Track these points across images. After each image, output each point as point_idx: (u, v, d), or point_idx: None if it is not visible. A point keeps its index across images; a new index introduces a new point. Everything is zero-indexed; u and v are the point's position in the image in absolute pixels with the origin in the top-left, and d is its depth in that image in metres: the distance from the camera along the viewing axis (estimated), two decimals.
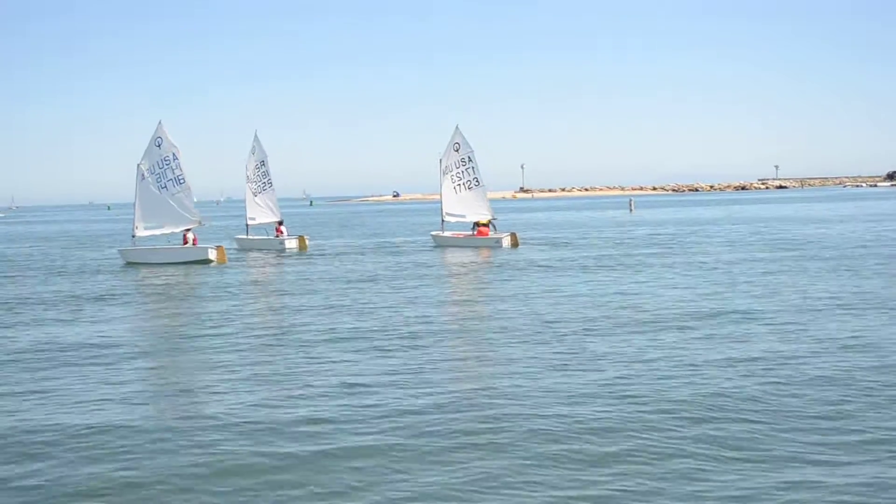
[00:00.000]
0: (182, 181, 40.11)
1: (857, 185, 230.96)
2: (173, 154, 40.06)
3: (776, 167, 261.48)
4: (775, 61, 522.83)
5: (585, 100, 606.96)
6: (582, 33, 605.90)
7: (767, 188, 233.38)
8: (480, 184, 47.99)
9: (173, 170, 40.03)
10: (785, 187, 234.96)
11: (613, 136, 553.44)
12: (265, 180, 49.50)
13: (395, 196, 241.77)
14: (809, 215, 74.45)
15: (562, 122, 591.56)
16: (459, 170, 48.12)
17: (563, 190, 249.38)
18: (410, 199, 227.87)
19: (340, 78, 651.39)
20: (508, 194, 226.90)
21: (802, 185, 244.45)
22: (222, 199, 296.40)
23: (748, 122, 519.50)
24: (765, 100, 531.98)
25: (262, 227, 50.20)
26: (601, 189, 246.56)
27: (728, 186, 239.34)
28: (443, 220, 49.20)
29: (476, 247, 45.22)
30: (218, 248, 40.33)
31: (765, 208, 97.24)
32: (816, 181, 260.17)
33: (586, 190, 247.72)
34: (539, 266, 34.63)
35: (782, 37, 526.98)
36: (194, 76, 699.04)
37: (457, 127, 48.27)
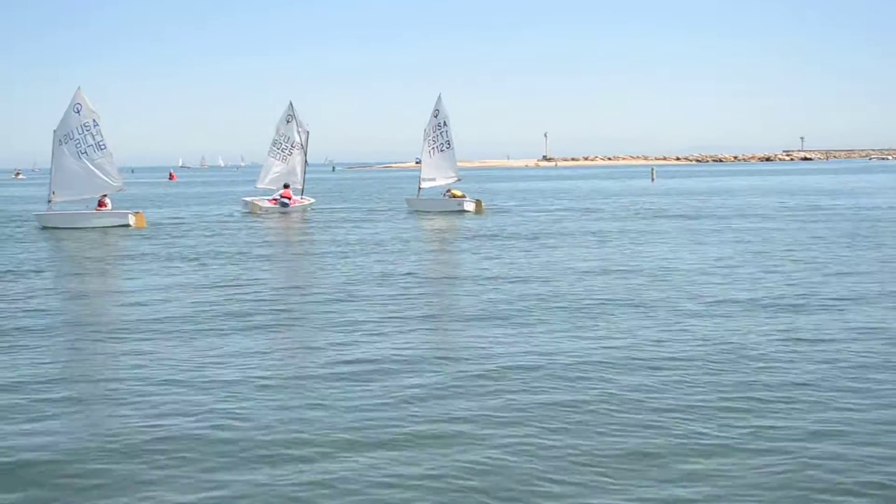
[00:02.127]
0: (103, 147, 39.35)
1: (884, 158, 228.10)
2: (94, 120, 39.28)
3: (802, 139, 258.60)
4: (802, 33, 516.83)
5: (611, 69, 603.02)
6: (611, 4, 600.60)
7: (792, 160, 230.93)
8: (450, 147, 48.83)
9: (94, 136, 39.23)
10: (810, 159, 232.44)
11: (638, 106, 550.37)
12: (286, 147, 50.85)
13: (417, 163, 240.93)
14: (849, 187, 73.09)
15: (587, 91, 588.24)
16: (436, 133, 48.96)
17: (587, 159, 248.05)
18: None
19: (361, 48, 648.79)
20: (531, 162, 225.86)
21: (827, 157, 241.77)
22: (243, 165, 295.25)
23: (774, 94, 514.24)
24: (791, 71, 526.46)
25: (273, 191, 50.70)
26: (624, 158, 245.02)
27: (752, 157, 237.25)
28: (419, 187, 49.98)
29: (447, 210, 46.38)
30: (137, 213, 40.01)
31: (792, 179, 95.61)
32: (842, 153, 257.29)
33: (609, 159, 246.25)
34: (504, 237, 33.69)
35: (810, 8, 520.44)
36: (218, 43, 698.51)
37: (439, 95, 49.51)
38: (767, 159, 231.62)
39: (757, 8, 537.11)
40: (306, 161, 52.29)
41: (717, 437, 9.53)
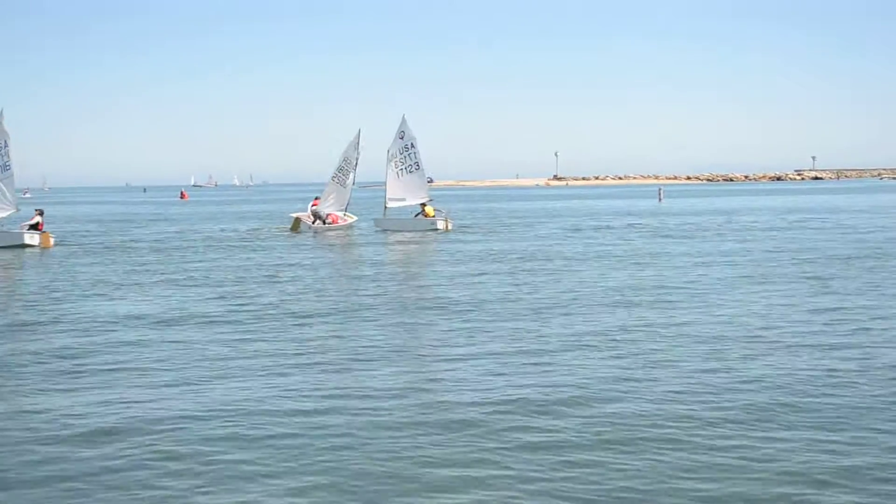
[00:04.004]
0: (8, 168, 40.39)
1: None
2: (5, 141, 40.23)
3: (813, 158, 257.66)
4: (811, 53, 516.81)
5: (621, 88, 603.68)
6: (618, 22, 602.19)
7: (803, 179, 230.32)
8: (420, 168, 50.23)
9: (2, 156, 40.22)
10: (821, 178, 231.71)
11: (648, 126, 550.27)
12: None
13: (429, 181, 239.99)
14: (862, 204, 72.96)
15: (597, 110, 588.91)
16: (403, 155, 50.25)
17: (597, 178, 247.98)
18: (444, 185, 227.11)
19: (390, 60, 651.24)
20: (542, 181, 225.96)
21: (838, 177, 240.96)
22: (252, 184, 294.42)
23: (784, 113, 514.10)
24: (800, 90, 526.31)
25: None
26: (635, 178, 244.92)
27: (763, 177, 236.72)
28: (385, 206, 51.25)
29: (418, 230, 47.75)
30: (43, 233, 40.29)
31: (806, 199, 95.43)
32: (853, 172, 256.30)
33: (620, 178, 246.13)
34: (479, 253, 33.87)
35: (819, 28, 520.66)
36: (242, 54, 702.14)
37: (403, 117, 50.99)
38: (778, 178, 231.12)
39: (767, 25, 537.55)
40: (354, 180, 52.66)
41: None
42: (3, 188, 40.41)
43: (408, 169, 50.15)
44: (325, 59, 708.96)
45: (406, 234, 46.40)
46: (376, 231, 49.17)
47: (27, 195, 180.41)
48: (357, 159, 51.58)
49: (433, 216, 49.15)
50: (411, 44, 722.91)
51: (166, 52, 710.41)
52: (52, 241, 40.34)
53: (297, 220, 50.45)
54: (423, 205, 49.74)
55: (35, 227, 40.51)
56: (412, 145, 50.08)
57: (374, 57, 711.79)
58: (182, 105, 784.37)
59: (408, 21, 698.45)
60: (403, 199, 50.51)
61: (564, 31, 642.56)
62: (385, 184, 51.25)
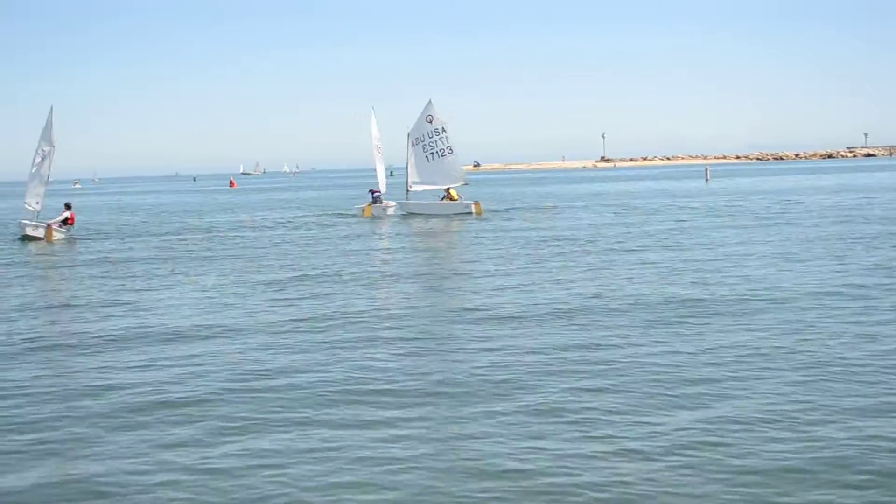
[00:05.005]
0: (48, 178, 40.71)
1: None
2: (52, 150, 40.31)
3: (865, 135, 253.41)
4: (863, 26, 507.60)
5: (669, 68, 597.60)
6: (665, 1, 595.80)
7: (855, 156, 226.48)
8: (453, 152, 49.87)
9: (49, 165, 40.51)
10: (873, 155, 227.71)
11: (697, 105, 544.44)
12: None
13: (475, 166, 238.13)
14: None
15: (644, 90, 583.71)
16: (433, 139, 49.83)
17: (645, 159, 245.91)
18: (491, 168, 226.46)
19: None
20: (589, 163, 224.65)
21: (891, 154, 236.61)
22: (297, 171, 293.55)
23: (837, 89, 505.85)
24: (853, 65, 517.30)
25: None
26: (683, 158, 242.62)
27: (814, 155, 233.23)
28: (408, 189, 51.07)
29: (445, 214, 47.68)
30: (47, 227, 39.83)
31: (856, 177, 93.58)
32: None
33: (668, 159, 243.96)
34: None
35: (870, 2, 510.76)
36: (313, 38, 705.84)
37: (429, 101, 50.43)
38: (829, 156, 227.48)
39: (820, 3, 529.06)
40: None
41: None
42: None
43: (440, 153, 49.81)
44: (380, 43, 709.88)
45: (434, 218, 46.15)
46: (401, 215, 49.23)
47: (77, 186, 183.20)
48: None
49: (458, 199, 49.25)
50: (458, 27, 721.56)
51: (212, 42, 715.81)
52: (54, 235, 39.78)
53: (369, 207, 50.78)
54: (448, 189, 49.70)
55: (65, 221, 40.83)
56: (443, 129, 49.77)
57: (422, 38, 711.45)
58: (224, 94, 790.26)
59: (458, 4, 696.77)
60: (434, 183, 50.33)
61: (611, 12, 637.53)
62: (406, 168, 51.13)
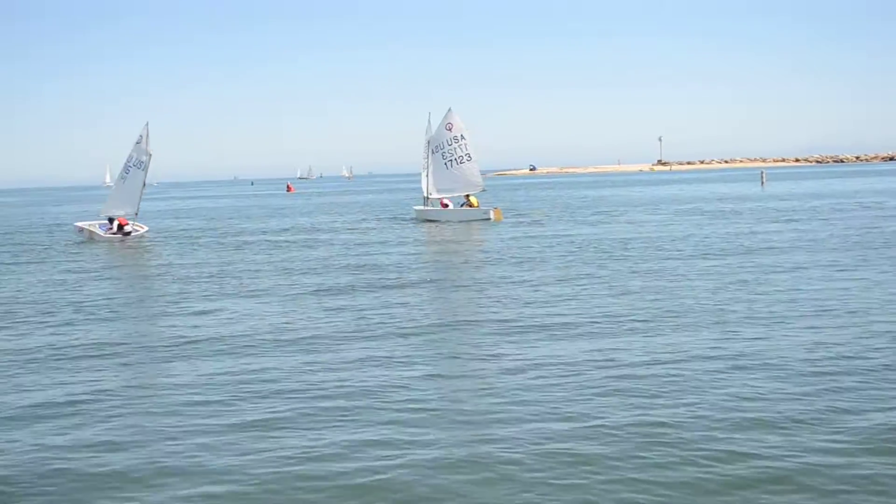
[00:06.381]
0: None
1: None
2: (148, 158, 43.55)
3: None
4: None
5: (727, 71, 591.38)
6: (723, 3, 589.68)
7: None
8: (472, 159, 50.44)
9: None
10: None
11: (756, 107, 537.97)
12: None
13: (531, 170, 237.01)
14: None
15: (701, 93, 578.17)
16: (452, 146, 50.25)
17: (702, 162, 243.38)
18: (547, 172, 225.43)
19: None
20: (646, 167, 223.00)
21: None
22: (351, 175, 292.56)
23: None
24: None
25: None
26: (741, 161, 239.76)
27: (875, 157, 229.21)
28: (426, 197, 51.66)
29: (463, 220, 47.96)
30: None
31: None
32: None
33: (726, 162, 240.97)
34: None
35: None
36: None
37: (450, 108, 50.83)
38: (891, 158, 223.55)
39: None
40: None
41: None
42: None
43: (458, 160, 50.34)
44: (438, 45, 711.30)
45: (453, 224, 46.61)
46: (417, 222, 49.73)
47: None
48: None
49: (477, 206, 49.90)
50: (518, 30, 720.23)
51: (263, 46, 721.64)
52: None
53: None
54: (468, 195, 50.22)
55: (121, 226, 43.66)
56: (462, 136, 50.21)
57: (482, 41, 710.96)
58: (281, 97, 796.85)
59: (519, 7, 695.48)
60: (452, 190, 50.76)
61: (669, 16, 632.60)
62: (423, 175, 51.77)
